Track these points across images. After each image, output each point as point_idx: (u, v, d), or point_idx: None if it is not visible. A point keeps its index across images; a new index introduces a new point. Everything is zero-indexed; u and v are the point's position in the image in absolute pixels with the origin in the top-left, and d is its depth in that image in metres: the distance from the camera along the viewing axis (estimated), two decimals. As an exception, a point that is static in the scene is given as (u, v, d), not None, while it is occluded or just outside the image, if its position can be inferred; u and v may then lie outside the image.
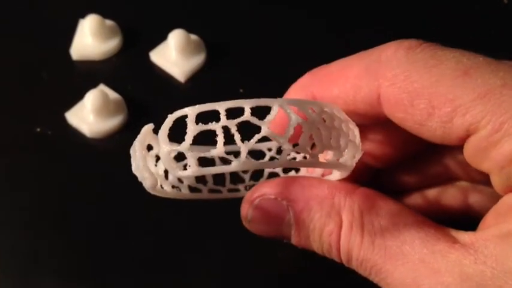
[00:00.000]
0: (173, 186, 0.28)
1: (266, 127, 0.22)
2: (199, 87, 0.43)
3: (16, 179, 0.39)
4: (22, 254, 0.36)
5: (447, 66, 0.23)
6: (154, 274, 0.34)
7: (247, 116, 0.22)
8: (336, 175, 0.27)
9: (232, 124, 0.22)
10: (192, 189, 0.29)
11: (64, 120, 0.41)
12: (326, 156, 0.26)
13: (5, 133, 0.41)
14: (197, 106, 0.22)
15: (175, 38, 0.42)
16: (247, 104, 0.22)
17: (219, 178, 0.30)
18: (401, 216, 0.25)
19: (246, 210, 0.27)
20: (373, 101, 0.25)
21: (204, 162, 0.23)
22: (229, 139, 0.22)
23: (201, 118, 0.22)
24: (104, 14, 0.44)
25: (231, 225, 0.30)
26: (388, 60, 0.25)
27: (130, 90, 0.42)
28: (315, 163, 0.24)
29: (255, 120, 0.22)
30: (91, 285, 0.35)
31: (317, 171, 0.29)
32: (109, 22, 0.45)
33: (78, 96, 0.41)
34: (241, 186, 0.31)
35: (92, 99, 0.39)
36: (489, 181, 0.24)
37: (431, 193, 0.31)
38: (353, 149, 0.25)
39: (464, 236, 0.23)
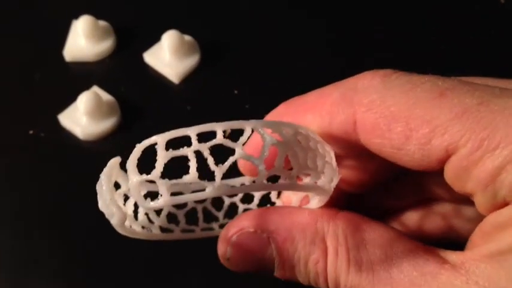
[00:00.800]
0: (143, 227, 0.27)
1: (240, 149, 0.21)
2: (193, 88, 0.43)
3: (8, 180, 0.38)
4: (19, 256, 0.35)
5: (423, 89, 0.23)
6: (154, 274, 0.34)
7: (219, 139, 0.21)
8: (314, 203, 0.26)
9: (205, 148, 0.21)
10: (163, 229, 0.28)
11: (57, 122, 0.40)
12: (303, 181, 0.25)
13: (-3, 135, 0.40)
14: (166, 133, 0.21)
15: (169, 39, 0.42)
16: (219, 128, 0.22)
17: (191, 217, 0.29)
18: (386, 238, 0.24)
19: (224, 248, 0.25)
20: (348, 127, 0.25)
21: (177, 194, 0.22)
22: (202, 167, 0.21)
23: (172, 145, 0.22)
24: (97, 15, 0.44)
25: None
26: (364, 87, 0.24)
27: (123, 91, 0.42)
28: (293, 185, 0.23)
29: (228, 143, 0.21)
30: (91, 285, 0.34)
31: (294, 202, 0.28)
32: (102, 23, 0.44)
33: (71, 98, 0.40)
34: (215, 225, 0.30)
35: (85, 101, 0.39)
36: (470, 200, 0.24)
37: (413, 217, 0.31)
38: (330, 171, 0.24)
39: (453, 257, 0.23)
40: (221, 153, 0.22)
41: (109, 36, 0.44)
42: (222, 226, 0.29)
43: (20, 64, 0.44)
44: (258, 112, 0.41)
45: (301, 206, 0.28)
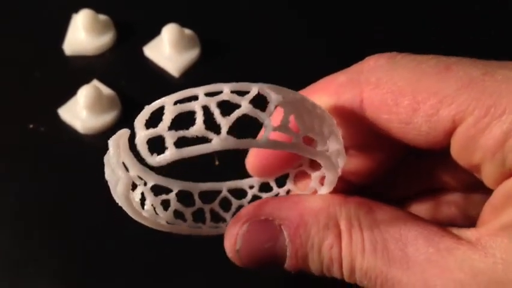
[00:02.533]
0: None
1: (247, 102, 0.21)
2: (194, 82, 0.42)
3: (8, 174, 0.38)
4: (18, 254, 0.35)
5: (428, 65, 0.23)
6: (154, 273, 0.34)
7: (226, 93, 0.21)
8: (324, 189, 0.26)
9: (212, 101, 0.21)
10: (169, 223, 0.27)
11: (57, 116, 0.40)
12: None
13: (-3, 129, 0.40)
14: (175, 94, 0.22)
15: (169, 32, 0.42)
16: (226, 87, 0.21)
17: (198, 217, 0.28)
18: (399, 217, 0.24)
19: (233, 239, 0.25)
20: (355, 106, 0.25)
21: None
22: (209, 126, 0.21)
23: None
24: (97, 9, 0.44)
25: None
26: (370, 68, 0.25)
27: (123, 85, 0.42)
28: (298, 146, 0.22)
29: (235, 98, 0.21)
30: (90, 285, 0.34)
31: (309, 189, 0.28)
32: (102, 17, 0.44)
33: (71, 92, 0.40)
34: (223, 225, 0.29)
35: (85, 94, 0.39)
36: (478, 187, 0.24)
37: (421, 208, 0.30)
38: (337, 144, 0.24)
39: (467, 233, 0.22)
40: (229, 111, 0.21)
41: (109, 29, 0.44)
42: None
43: (20, 58, 0.44)
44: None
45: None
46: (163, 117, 0.21)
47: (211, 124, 0.20)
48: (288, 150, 0.23)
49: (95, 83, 0.41)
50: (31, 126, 0.40)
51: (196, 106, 0.21)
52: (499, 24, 0.46)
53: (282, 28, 0.46)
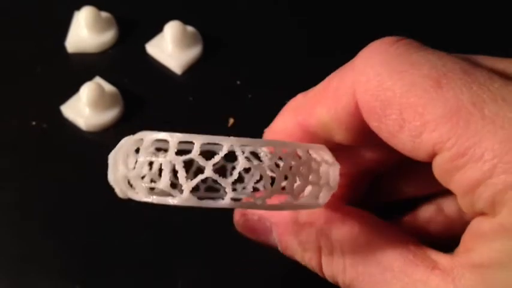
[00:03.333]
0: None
1: (210, 169, 0.22)
2: (196, 79, 0.43)
3: (10, 172, 0.38)
4: (19, 251, 0.35)
5: (420, 73, 0.22)
6: (154, 272, 0.34)
7: (194, 154, 0.22)
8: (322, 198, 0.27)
9: (178, 161, 0.22)
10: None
11: (59, 113, 0.40)
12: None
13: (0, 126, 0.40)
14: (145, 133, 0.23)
15: (172, 29, 0.42)
16: (198, 140, 0.22)
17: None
18: (380, 240, 0.25)
19: (236, 216, 0.28)
20: (353, 109, 0.24)
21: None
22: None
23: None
24: (100, 6, 0.44)
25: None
26: (361, 65, 0.24)
27: (126, 82, 0.42)
28: (258, 206, 0.23)
29: (200, 160, 0.22)
30: (91, 284, 0.34)
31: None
32: (104, 14, 0.44)
33: (73, 89, 0.40)
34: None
35: (87, 92, 0.39)
36: None
37: (431, 209, 0.31)
38: (317, 179, 0.24)
39: (444, 260, 0.23)
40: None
41: (111, 27, 0.44)
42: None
43: (22, 55, 0.44)
44: (261, 103, 0.41)
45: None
46: (136, 164, 0.23)
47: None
48: (248, 208, 0.25)
49: (98, 80, 0.41)
50: (34, 123, 0.40)
51: (163, 162, 0.22)
52: (499, 24, 0.46)
53: (284, 25, 0.46)
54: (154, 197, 0.23)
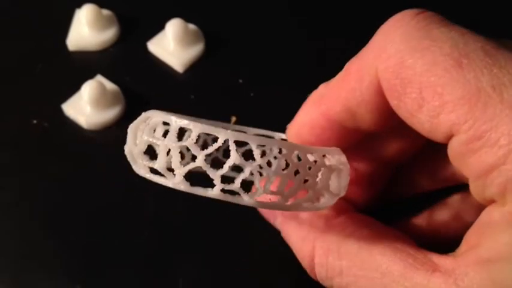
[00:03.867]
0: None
1: (202, 158, 0.22)
2: (198, 77, 0.42)
3: (10, 170, 0.38)
4: (19, 249, 0.35)
5: (441, 52, 0.22)
6: (155, 271, 0.34)
7: (190, 142, 0.22)
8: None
9: (173, 146, 0.23)
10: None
11: (60, 112, 0.40)
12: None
13: (0, 125, 0.40)
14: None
15: (173, 27, 0.42)
16: (195, 129, 0.22)
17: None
18: (379, 244, 0.24)
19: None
20: (376, 87, 0.24)
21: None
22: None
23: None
24: (101, 4, 0.43)
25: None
26: (381, 41, 0.24)
27: (127, 81, 0.42)
28: (245, 201, 0.23)
29: (193, 149, 0.22)
30: (91, 283, 0.34)
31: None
32: (106, 12, 0.44)
33: (74, 88, 0.40)
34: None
35: (88, 90, 0.39)
36: None
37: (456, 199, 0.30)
38: (312, 197, 0.24)
39: (445, 262, 0.22)
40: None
41: (112, 25, 0.44)
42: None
43: (23, 53, 0.43)
44: (263, 101, 0.41)
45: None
46: (138, 142, 0.24)
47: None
48: (234, 201, 0.24)
49: (99, 78, 0.41)
50: (35, 121, 0.40)
51: (161, 145, 0.23)
52: (499, 24, 0.45)
53: (286, 23, 0.46)
54: (152, 175, 0.23)
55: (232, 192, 0.23)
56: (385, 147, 0.29)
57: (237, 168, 0.23)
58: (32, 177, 0.38)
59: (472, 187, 0.23)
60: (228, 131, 0.22)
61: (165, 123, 0.24)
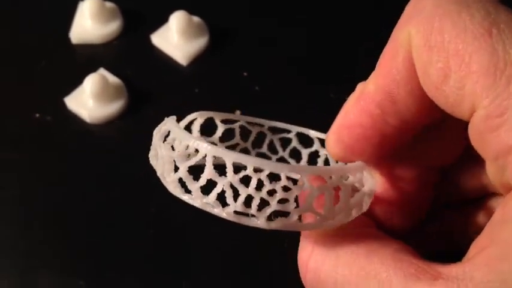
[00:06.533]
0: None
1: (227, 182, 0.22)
2: (202, 70, 0.42)
3: (13, 164, 0.38)
4: (21, 248, 0.35)
5: (472, 20, 0.21)
6: (155, 270, 0.34)
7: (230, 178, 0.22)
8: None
9: (184, 164, 0.22)
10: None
11: (63, 105, 0.40)
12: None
13: (3, 119, 0.40)
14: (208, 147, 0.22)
15: (177, 20, 0.41)
16: (249, 163, 0.22)
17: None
18: (380, 253, 0.23)
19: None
20: (412, 60, 0.23)
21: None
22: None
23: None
24: (104, -4, 0.43)
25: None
26: (414, 7, 0.23)
27: (131, 74, 0.41)
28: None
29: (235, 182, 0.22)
30: (92, 281, 0.34)
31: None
32: (109, 4, 0.43)
33: (77, 81, 0.40)
34: None
35: (91, 83, 0.39)
36: None
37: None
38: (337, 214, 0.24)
39: (450, 269, 0.21)
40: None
41: (116, 17, 0.43)
42: None
43: (26, 47, 0.43)
44: (268, 94, 0.40)
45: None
46: (159, 152, 0.24)
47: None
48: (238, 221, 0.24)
49: (102, 71, 0.41)
50: (37, 115, 0.40)
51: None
52: None
53: (295, 13, 0.45)
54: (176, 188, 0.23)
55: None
56: (429, 152, 0.27)
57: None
58: (34, 170, 0.38)
59: (490, 169, 0.21)
60: (255, 159, 0.22)
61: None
